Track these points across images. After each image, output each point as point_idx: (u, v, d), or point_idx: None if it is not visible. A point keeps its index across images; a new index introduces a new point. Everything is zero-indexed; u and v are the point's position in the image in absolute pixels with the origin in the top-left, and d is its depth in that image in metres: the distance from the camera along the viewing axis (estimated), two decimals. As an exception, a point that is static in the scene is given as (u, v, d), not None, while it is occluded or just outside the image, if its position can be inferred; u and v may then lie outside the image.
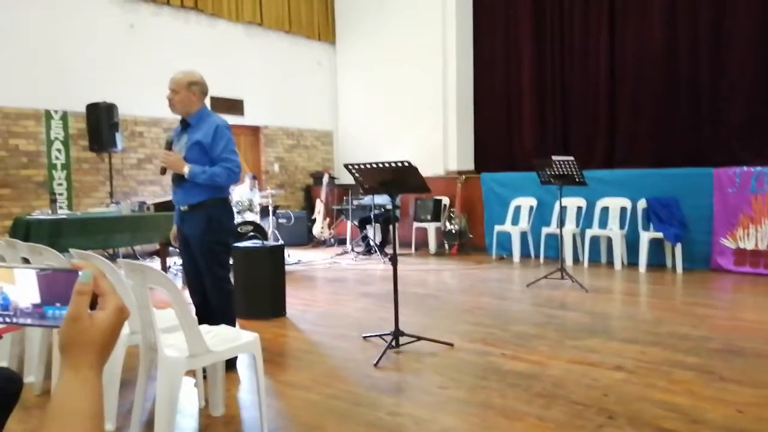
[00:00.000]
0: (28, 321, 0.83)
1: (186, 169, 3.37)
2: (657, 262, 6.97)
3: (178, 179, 3.48)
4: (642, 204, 7.05)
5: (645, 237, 6.79)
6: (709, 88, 7.83)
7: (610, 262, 7.24)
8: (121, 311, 0.81)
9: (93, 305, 0.80)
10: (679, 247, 6.65)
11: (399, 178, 3.82)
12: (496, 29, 9.87)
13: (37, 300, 0.82)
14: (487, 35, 10.00)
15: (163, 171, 3.53)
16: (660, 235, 6.73)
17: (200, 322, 3.11)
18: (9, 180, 7.38)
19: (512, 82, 9.78)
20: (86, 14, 8.02)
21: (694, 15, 7.91)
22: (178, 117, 3.61)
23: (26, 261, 3.36)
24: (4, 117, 7.33)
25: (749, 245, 6.44)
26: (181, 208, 3.53)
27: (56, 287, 0.81)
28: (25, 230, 5.29)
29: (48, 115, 7.69)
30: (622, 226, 7.16)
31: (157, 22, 8.80)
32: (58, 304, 0.81)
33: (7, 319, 0.83)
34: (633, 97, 8.46)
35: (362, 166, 3.87)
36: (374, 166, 3.79)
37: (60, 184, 7.79)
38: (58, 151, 7.78)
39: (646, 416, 2.74)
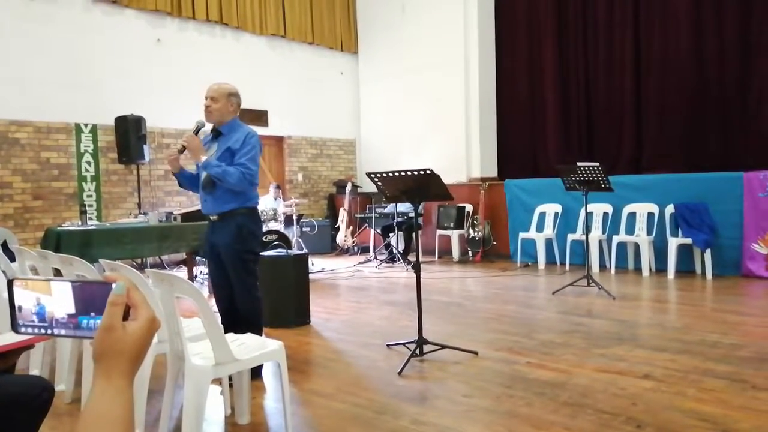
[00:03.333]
0: (63, 332, 0.85)
1: (203, 157, 3.41)
2: (686, 268, 6.84)
3: (208, 187, 3.51)
4: (670, 209, 6.93)
5: (673, 243, 6.68)
6: (737, 92, 7.70)
7: (638, 269, 7.13)
8: (153, 322, 0.84)
9: (125, 316, 0.83)
10: (708, 253, 6.52)
11: (421, 186, 3.82)
12: (519, 36, 9.84)
13: (72, 311, 0.85)
14: (509, 42, 9.97)
15: (182, 150, 3.48)
16: (689, 240, 6.61)
17: (226, 331, 3.09)
18: (41, 192, 7.57)
19: (535, 88, 9.73)
20: (114, 29, 8.22)
21: (720, 20, 7.78)
22: (209, 130, 3.68)
23: (57, 271, 3.44)
24: (36, 131, 7.54)
25: (781, 250, 6.29)
26: (211, 217, 3.57)
27: (90, 298, 0.84)
28: (56, 241, 5.41)
29: (78, 129, 7.88)
30: (649, 232, 7.05)
31: (183, 36, 8.97)
32: (92, 314, 0.84)
33: (43, 330, 0.86)
34: (659, 102, 8.35)
35: (385, 175, 3.88)
36: (396, 174, 3.80)
37: (89, 196, 7.97)
38: (88, 163, 7.97)
39: (675, 426, 2.69)
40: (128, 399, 0.80)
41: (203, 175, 3.53)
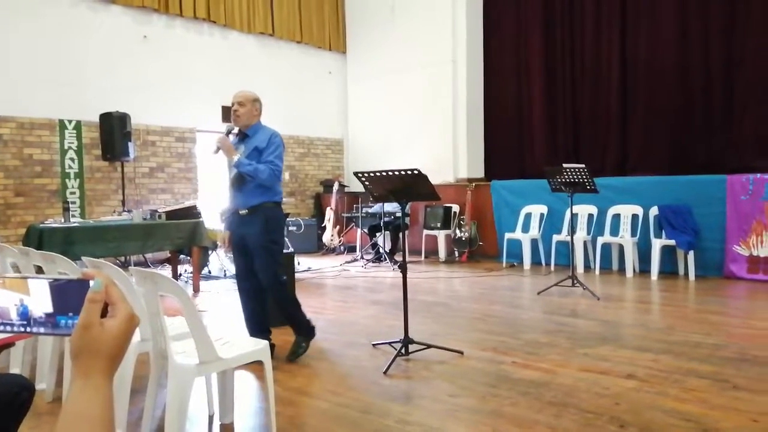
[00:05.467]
0: (42, 330, 0.84)
1: (235, 157, 3.76)
2: (669, 269, 6.91)
3: (238, 184, 3.83)
4: (654, 211, 7.00)
5: (657, 244, 6.74)
6: (721, 98, 7.76)
7: (622, 270, 7.19)
8: (131, 319, 0.82)
9: (104, 314, 0.81)
10: (691, 255, 6.60)
11: (409, 186, 3.82)
12: (507, 38, 9.88)
13: (50, 309, 0.83)
14: (497, 44, 10.01)
15: (217, 150, 3.85)
16: (672, 242, 6.68)
17: (251, 319, 3.90)
18: (23, 189, 7.47)
19: (523, 90, 9.78)
20: (100, 25, 8.13)
21: (705, 27, 7.84)
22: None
23: (39, 269, 3.40)
24: (19, 127, 7.44)
25: (762, 252, 6.37)
26: (241, 211, 3.86)
27: (68, 297, 0.82)
28: (38, 238, 5.34)
29: (62, 125, 7.79)
30: (633, 234, 7.12)
31: (170, 33, 8.90)
32: (70, 314, 0.83)
33: (22, 329, 0.85)
34: (645, 106, 8.41)
35: (372, 174, 3.88)
36: (384, 174, 3.81)
37: (73, 193, 7.88)
38: (72, 160, 7.88)
39: (658, 425, 2.71)
40: (107, 398, 0.79)
41: (232, 172, 3.85)
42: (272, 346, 3.90)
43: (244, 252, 3.88)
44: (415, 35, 10.25)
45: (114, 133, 7.80)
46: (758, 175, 6.46)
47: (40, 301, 0.83)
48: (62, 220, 5.96)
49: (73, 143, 7.88)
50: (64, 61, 7.78)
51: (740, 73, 7.60)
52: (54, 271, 3.16)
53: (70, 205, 7.29)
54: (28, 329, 0.85)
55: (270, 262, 3.81)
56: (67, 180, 7.84)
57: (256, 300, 3.94)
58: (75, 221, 6.22)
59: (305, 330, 4.00)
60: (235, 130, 3.95)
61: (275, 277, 3.83)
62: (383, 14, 10.78)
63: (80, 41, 7.93)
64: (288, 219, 9.05)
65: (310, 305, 5.62)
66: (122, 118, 7.84)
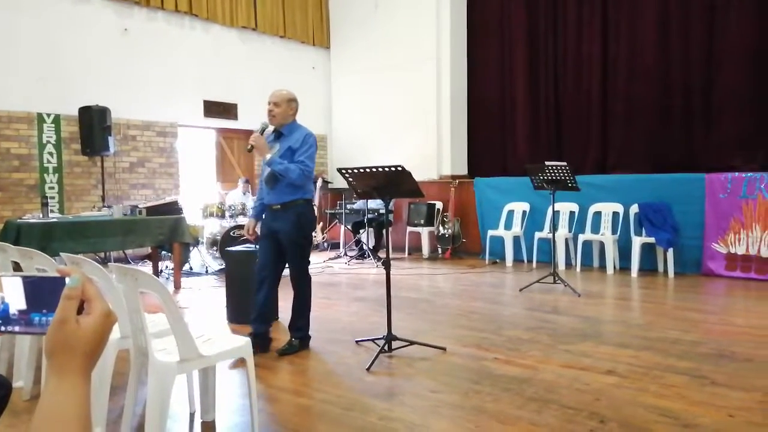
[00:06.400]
0: (16, 328, 0.82)
1: (268, 155, 3.89)
2: (649, 266, 7.00)
3: (271, 181, 3.98)
4: (634, 209, 7.08)
5: (637, 242, 6.82)
6: (701, 95, 7.87)
7: (603, 267, 7.26)
8: (108, 316, 0.81)
9: (80, 311, 0.79)
10: (670, 252, 6.69)
11: (392, 183, 3.82)
12: (490, 36, 9.90)
13: (23, 307, 0.81)
14: (481, 41, 10.03)
15: (251, 149, 3.98)
16: (652, 240, 6.76)
17: (260, 308, 4.04)
18: (0, 183, 7.33)
19: (506, 88, 9.82)
20: (80, 18, 8.00)
21: (686, 28, 7.93)
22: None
23: (17, 265, 3.34)
24: (-5, 120, 7.30)
25: (740, 250, 6.48)
26: (273, 207, 4.02)
27: (43, 294, 0.81)
28: (15, 234, 5.25)
29: (40, 119, 7.65)
30: (614, 231, 7.19)
31: (151, 26, 8.78)
32: (44, 311, 0.81)
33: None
34: (626, 105, 8.49)
35: (356, 171, 3.88)
36: (368, 170, 3.81)
37: (52, 188, 7.75)
38: (50, 154, 7.75)
39: (637, 420, 2.74)
40: (83, 396, 0.77)
41: (266, 170, 4.00)
42: (269, 340, 4.14)
43: (273, 244, 4.05)
44: (399, 31, 10.23)
45: (93, 127, 7.68)
46: (736, 174, 6.56)
47: (13, 298, 0.81)
48: (41, 216, 5.85)
49: (51, 137, 7.75)
50: (43, 53, 7.63)
51: (719, 72, 7.70)
52: (32, 267, 3.10)
53: (49, 200, 7.18)
54: (2, 328, 0.83)
55: (299, 256, 4.06)
56: (45, 175, 7.70)
57: (270, 291, 4.11)
58: (54, 217, 6.12)
59: (304, 334, 4.12)
60: (270, 128, 4.09)
61: (302, 270, 4.10)
62: (367, 10, 10.74)
63: (60, 33, 7.79)
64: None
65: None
66: (102, 112, 7.73)
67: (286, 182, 3.91)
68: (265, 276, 4.08)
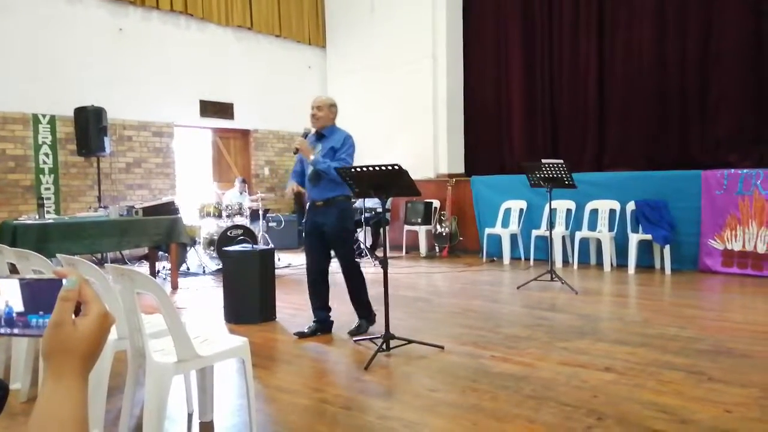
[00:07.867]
0: (15, 330, 0.82)
1: (312, 156, 4.25)
2: (646, 263, 7.01)
3: (315, 180, 4.31)
4: (631, 206, 7.09)
5: (634, 239, 6.83)
6: (697, 95, 7.87)
7: (600, 264, 7.28)
8: (105, 318, 0.80)
9: (77, 313, 0.79)
10: (667, 249, 6.70)
11: (389, 182, 3.82)
12: (487, 34, 9.91)
13: (21, 309, 0.81)
14: (477, 39, 10.03)
15: (296, 151, 4.40)
16: (649, 236, 6.77)
17: (318, 297, 4.47)
18: (-4, 185, 7.31)
19: (502, 86, 9.82)
20: (75, 18, 7.97)
21: (682, 27, 7.93)
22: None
23: (13, 266, 3.33)
24: (-10, 121, 7.27)
25: (736, 246, 6.49)
26: (317, 202, 4.38)
27: (40, 296, 0.80)
28: (11, 235, 5.23)
29: (36, 120, 7.63)
30: (611, 228, 7.20)
31: (147, 26, 8.76)
32: (41, 313, 0.80)
33: None
34: (622, 101, 8.50)
35: (353, 170, 3.88)
36: (365, 169, 3.80)
37: (47, 189, 7.73)
38: (46, 155, 7.73)
39: (635, 417, 2.75)
40: (80, 399, 0.77)
41: (309, 169, 4.33)
42: (331, 323, 4.50)
43: (317, 241, 4.41)
44: (395, 31, 10.23)
45: (89, 127, 7.66)
46: (732, 171, 6.58)
47: (9, 300, 0.81)
48: (37, 217, 5.83)
49: (47, 138, 7.73)
50: (38, 53, 7.61)
51: (715, 70, 7.71)
52: (28, 268, 3.10)
53: (45, 201, 7.17)
54: (0, 330, 0.82)
55: (347, 248, 4.45)
56: (41, 176, 7.68)
57: (323, 281, 4.50)
58: (50, 218, 6.10)
59: (367, 313, 4.49)
60: (312, 131, 4.44)
61: (352, 261, 4.44)
62: (363, 9, 10.73)
63: (55, 33, 7.77)
64: (268, 215, 9.00)
65: (290, 301, 5.60)
66: (98, 113, 7.71)
67: (328, 179, 4.22)
68: (316, 273, 4.47)
